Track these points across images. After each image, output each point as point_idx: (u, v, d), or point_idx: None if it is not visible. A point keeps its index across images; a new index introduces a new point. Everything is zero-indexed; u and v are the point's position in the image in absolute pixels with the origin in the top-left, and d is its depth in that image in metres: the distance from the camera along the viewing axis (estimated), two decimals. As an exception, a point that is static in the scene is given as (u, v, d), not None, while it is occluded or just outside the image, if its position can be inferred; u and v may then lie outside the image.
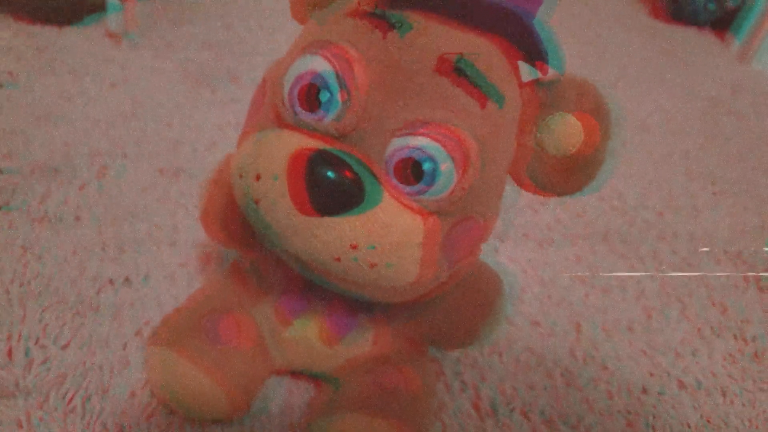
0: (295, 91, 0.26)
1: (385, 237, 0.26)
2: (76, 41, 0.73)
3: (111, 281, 0.45)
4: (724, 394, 0.48)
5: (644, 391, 0.47)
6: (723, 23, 1.39)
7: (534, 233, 0.61)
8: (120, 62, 0.71)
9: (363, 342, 0.36)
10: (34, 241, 0.47)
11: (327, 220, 0.25)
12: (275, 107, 0.28)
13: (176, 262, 0.48)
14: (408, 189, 0.26)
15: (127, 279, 0.46)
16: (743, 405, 0.48)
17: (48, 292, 0.44)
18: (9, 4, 0.72)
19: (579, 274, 0.56)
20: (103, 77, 0.68)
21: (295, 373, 0.40)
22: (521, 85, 0.28)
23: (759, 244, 0.67)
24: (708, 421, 0.46)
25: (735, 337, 0.54)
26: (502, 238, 0.59)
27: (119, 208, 0.52)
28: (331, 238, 0.25)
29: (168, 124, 0.63)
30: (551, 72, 0.28)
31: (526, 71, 0.28)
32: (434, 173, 0.25)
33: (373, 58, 0.25)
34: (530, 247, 0.59)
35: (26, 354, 0.39)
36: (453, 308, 0.35)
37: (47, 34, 0.73)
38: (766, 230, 0.69)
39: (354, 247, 0.26)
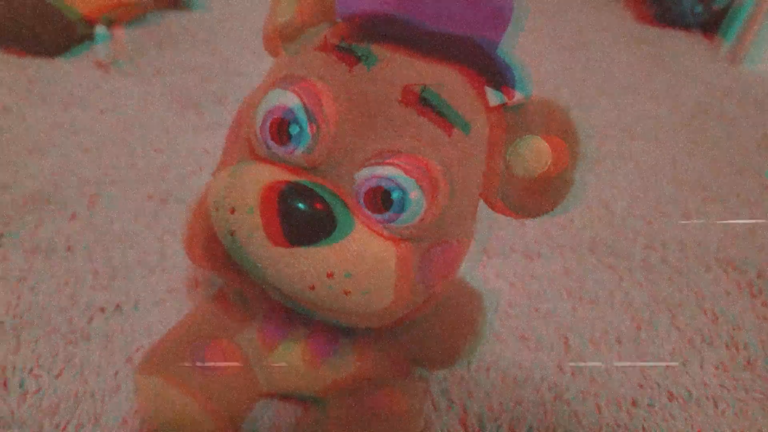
0: (267, 125, 0.27)
1: (359, 264, 0.26)
2: (66, 71, 0.74)
3: (102, 309, 0.46)
4: (715, 405, 0.48)
5: (634, 403, 0.47)
6: (712, 25, 1.40)
7: (520, 247, 0.61)
8: (109, 90, 0.72)
9: (346, 364, 0.36)
10: (28, 272, 0.48)
11: (301, 250, 0.26)
12: (249, 140, 0.28)
13: (165, 288, 0.48)
14: (379, 217, 0.26)
15: (117, 306, 0.46)
16: (735, 415, 0.48)
17: (41, 321, 0.44)
18: (3, 37, 0.73)
19: (565, 286, 0.57)
20: (92, 105, 0.69)
21: (283, 396, 0.40)
22: (488, 110, 0.28)
23: (750, 250, 0.67)
24: None
25: (726, 345, 0.54)
26: (488, 253, 0.59)
27: (109, 235, 0.52)
28: (306, 267, 0.26)
29: (156, 149, 0.64)
30: (518, 96, 0.28)
31: (493, 96, 0.29)
32: (403, 202, 0.26)
33: (341, 90, 0.26)
34: (517, 260, 0.59)
35: (21, 385, 0.40)
36: (434, 328, 0.36)
37: (38, 65, 0.74)
38: (757, 235, 0.70)
39: (330, 276, 0.26)
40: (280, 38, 0.31)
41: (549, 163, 0.28)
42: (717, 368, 0.51)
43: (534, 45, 1.18)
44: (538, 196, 0.29)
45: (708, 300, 0.59)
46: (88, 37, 0.78)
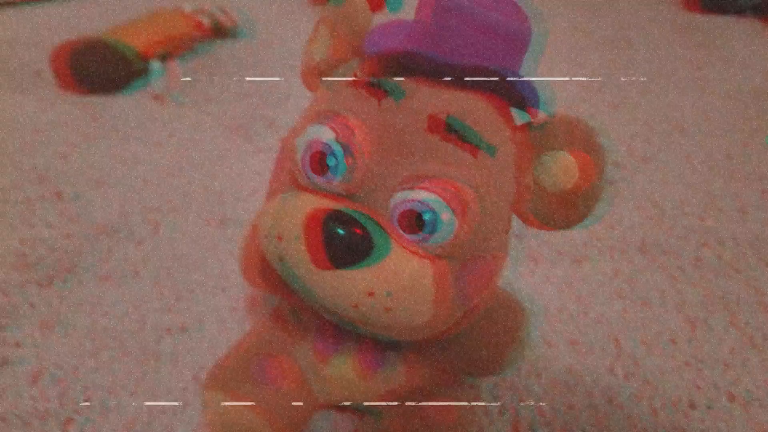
0: (307, 158, 0.29)
1: (398, 282, 0.28)
2: (125, 107, 0.79)
3: (169, 330, 0.49)
4: (777, 404, 0.48)
5: (691, 405, 0.47)
6: (766, 8, 1.35)
7: (569, 250, 0.61)
8: (165, 121, 0.77)
9: (396, 375, 0.38)
10: (101, 298, 0.51)
11: (344, 272, 0.28)
12: (292, 171, 0.31)
13: (227, 307, 0.51)
14: (413, 237, 0.28)
15: (183, 327, 0.50)
16: (797, 413, 0.47)
17: (115, 344, 0.48)
18: (67, 79, 0.79)
19: (616, 288, 0.57)
20: (151, 137, 0.73)
21: (339, 408, 0.42)
22: (514, 129, 0.30)
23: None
24: (759, 432, 0.45)
25: (788, 342, 0.53)
26: (536, 259, 0.60)
27: (173, 260, 0.56)
28: (348, 288, 0.28)
29: (212, 175, 0.68)
30: (541, 114, 0.30)
31: (518, 116, 0.30)
32: (435, 222, 0.27)
33: (372, 123, 0.28)
34: (565, 265, 0.60)
35: (102, 403, 0.43)
36: (477, 340, 0.37)
37: (100, 103, 0.79)
38: (820, 226, 0.68)
39: (371, 295, 0.28)
40: (317, 74, 0.33)
41: (576, 176, 0.29)
42: (779, 367, 0.51)
43: (576, 43, 1.17)
44: (567, 209, 0.30)
45: None
46: (145, 72, 0.83)
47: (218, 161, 0.71)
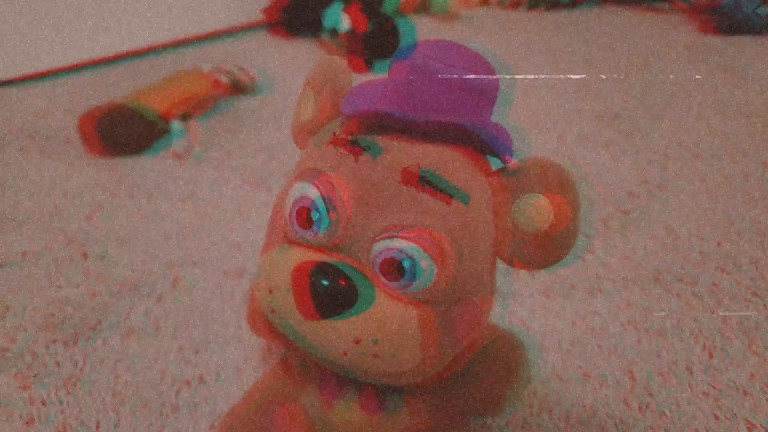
0: (294, 214, 0.31)
1: (384, 329, 0.29)
2: (149, 166, 0.83)
3: (188, 382, 0.51)
4: (798, 430, 0.46)
5: (707, 435, 0.46)
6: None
7: (581, 283, 0.62)
8: (186, 178, 0.80)
9: (400, 418, 0.39)
10: (124, 353, 0.54)
11: (331, 322, 0.29)
12: (282, 226, 0.33)
13: (242, 358, 0.53)
14: (396, 284, 0.29)
15: (201, 378, 0.51)
16: (821, 439, 0.46)
17: (136, 397, 0.50)
18: (94, 143, 0.83)
19: (628, 318, 0.57)
20: (172, 194, 0.77)
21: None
22: (489, 175, 0.31)
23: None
24: (780, 461, 0.44)
25: (810, 367, 0.52)
26: (548, 293, 0.60)
27: (192, 313, 0.58)
28: (336, 336, 0.29)
29: (230, 228, 0.70)
30: (515, 160, 0.31)
31: (492, 162, 0.31)
32: (414, 269, 0.29)
33: (352, 178, 0.30)
34: (578, 297, 0.60)
35: (123, 456, 0.45)
36: (477, 379, 0.37)
37: (125, 164, 0.83)
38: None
39: (358, 342, 0.29)
40: (305, 133, 0.35)
41: (551, 218, 0.30)
42: (800, 393, 0.49)
43: (587, 73, 1.18)
44: (547, 249, 0.31)
45: (788, 321, 0.57)
46: (167, 132, 0.87)
47: (237, 213, 0.74)
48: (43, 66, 1.14)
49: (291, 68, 1.19)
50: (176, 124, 0.86)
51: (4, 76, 1.10)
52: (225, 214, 0.73)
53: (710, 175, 0.82)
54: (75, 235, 0.69)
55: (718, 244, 0.68)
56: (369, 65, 1.18)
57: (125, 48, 1.22)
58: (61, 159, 0.85)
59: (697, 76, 1.16)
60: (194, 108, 0.93)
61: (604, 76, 1.16)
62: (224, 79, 1.00)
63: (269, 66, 1.16)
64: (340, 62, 0.35)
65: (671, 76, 1.16)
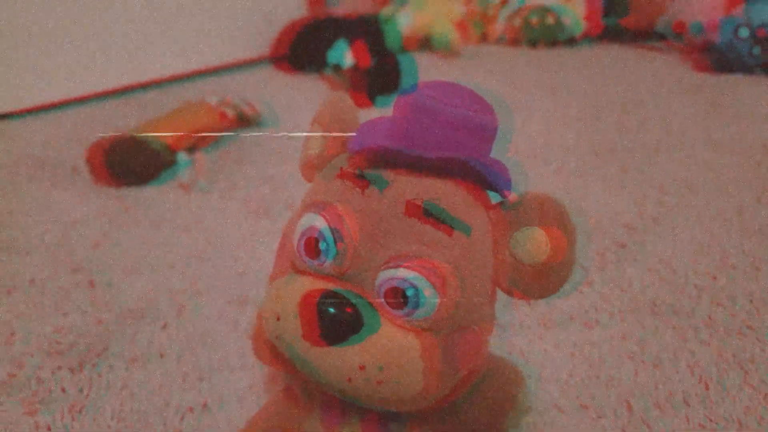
0: (302, 244, 0.32)
1: (387, 357, 0.30)
2: (154, 196, 0.84)
3: (191, 409, 0.52)
4: (793, 462, 0.47)
5: (703, 466, 0.47)
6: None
7: (579, 315, 0.63)
8: (192, 208, 0.82)
9: (402, 445, 0.40)
10: (128, 380, 0.54)
11: (337, 348, 0.30)
12: (290, 255, 0.34)
13: (246, 385, 0.54)
14: (399, 313, 0.31)
15: (205, 405, 0.52)
16: (815, 472, 0.46)
17: (141, 424, 0.50)
18: (102, 173, 0.85)
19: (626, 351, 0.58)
20: (178, 224, 0.78)
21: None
22: (489, 209, 0.33)
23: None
24: (776, 493, 0.45)
25: (806, 400, 0.53)
26: (546, 324, 0.61)
27: (196, 340, 0.59)
28: (341, 363, 0.31)
29: (234, 258, 0.72)
30: (513, 194, 0.33)
31: (491, 197, 0.33)
32: (418, 298, 0.30)
33: (359, 210, 0.31)
34: (576, 329, 0.61)
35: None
36: (476, 407, 0.38)
37: (131, 194, 0.85)
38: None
39: (362, 368, 0.30)
40: (312, 167, 0.37)
41: (548, 250, 0.31)
42: (795, 425, 0.50)
43: (586, 109, 1.20)
44: (544, 280, 0.32)
45: (783, 353, 0.58)
46: (173, 164, 0.89)
47: (241, 243, 0.75)
48: (50, 98, 1.17)
49: (295, 102, 1.22)
50: (183, 156, 0.88)
51: (13, 107, 1.13)
52: (229, 244, 0.75)
53: (705, 209, 0.84)
54: (81, 263, 0.70)
55: (714, 277, 0.69)
56: (372, 100, 1.20)
57: (131, 81, 1.25)
58: (69, 188, 0.87)
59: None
60: (200, 140, 0.95)
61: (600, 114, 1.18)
62: (230, 113, 1.03)
63: (274, 100, 1.19)
64: (347, 100, 0.37)
65: (666, 112, 1.19)
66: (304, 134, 0.39)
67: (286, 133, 1.06)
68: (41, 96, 1.16)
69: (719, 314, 0.63)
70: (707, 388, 0.54)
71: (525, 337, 0.60)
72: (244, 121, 1.06)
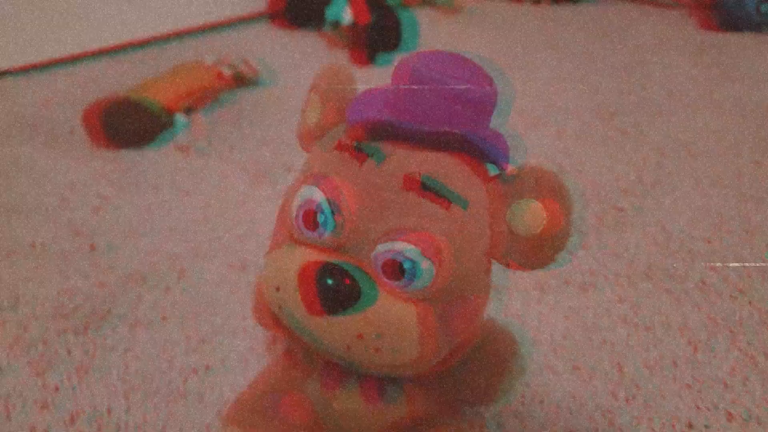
0: (300, 216, 0.33)
1: (385, 326, 0.31)
2: (153, 159, 0.84)
3: (195, 370, 0.53)
4: (776, 421, 0.49)
5: (689, 425, 0.48)
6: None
7: (575, 279, 0.64)
8: (191, 171, 0.82)
9: (399, 407, 0.41)
10: (132, 343, 0.56)
11: (336, 318, 0.31)
12: (289, 226, 0.34)
13: (247, 348, 0.55)
14: (396, 284, 0.31)
15: (207, 367, 0.53)
16: (798, 430, 0.48)
17: (146, 385, 0.52)
18: (99, 136, 0.85)
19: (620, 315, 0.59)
20: (177, 187, 0.78)
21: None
22: (486, 181, 0.33)
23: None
24: (758, 451, 0.47)
25: (792, 361, 0.54)
26: (543, 288, 0.62)
27: (198, 304, 0.60)
28: (340, 332, 0.31)
29: (235, 221, 0.72)
30: (511, 167, 0.33)
31: (490, 169, 0.33)
32: (414, 270, 0.31)
33: (357, 183, 0.32)
34: (572, 293, 0.62)
35: (135, 440, 0.47)
36: (472, 372, 0.40)
37: (129, 156, 0.85)
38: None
39: (360, 337, 0.31)
40: (311, 137, 0.37)
41: (545, 222, 0.32)
42: (780, 385, 0.52)
43: (590, 69, 1.19)
44: (540, 251, 0.33)
45: (772, 316, 0.59)
46: (170, 125, 0.89)
47: (241, 207, 0.75)
48: (42, 57, 1.15)
49: (294, 60, 1.20)
50: (180, 118, 0.88)
51: (4, 66, 1.11)
52: (229, 207, 0.75)
53: (704, 173, 0.84)
54: (82, 227, 0.71)
55: (708, 241, 0.70)
56: (371, 58, 1.19)
57: (127, 39, 1.23)
58: (66, 151, 0.87)
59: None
60: (198, 101, 0.94)
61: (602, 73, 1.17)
62: (227, 72, 1.01)
63: (272, 58, 1.18)
64: (344, 69, 0.37)
65: (670, 73, 1.18)
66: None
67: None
68: (33, 55, 1.14)
69: (711, 278, 0.64)
70: (696, 351, 0.55)
71: (521, 300, 0.61)
72: (242, 81, 1.05)
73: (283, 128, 0.94)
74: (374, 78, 1.11)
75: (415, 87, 0.31)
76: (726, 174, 0.84)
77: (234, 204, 0.76)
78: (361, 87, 0.36)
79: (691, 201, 0.78)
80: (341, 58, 1.22)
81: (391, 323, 0.31)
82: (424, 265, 0.31)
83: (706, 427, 0.48)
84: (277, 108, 1.00)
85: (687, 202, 0.78)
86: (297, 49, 1.27)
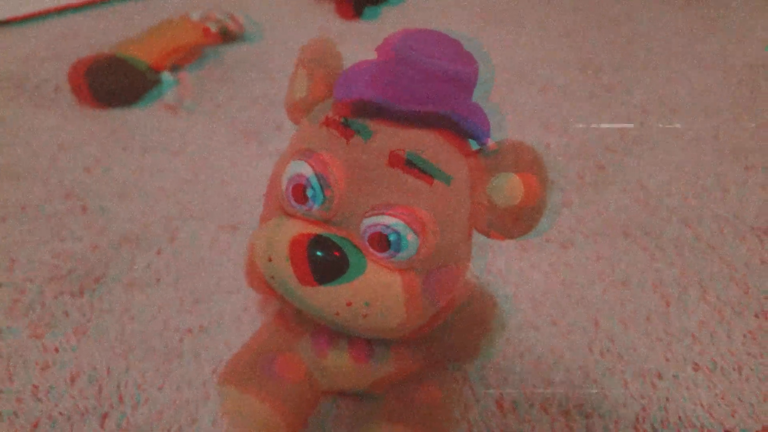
0: (290, 189, 0.34)
1: (372, 294, 0.33)
2: (141, 119, 0.84)
3: (190, 330, 0.55)
4: (739, 372, 0.52)
5: (659, 376, 0.52)
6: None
7: (556, 236, 0.66)
8: (180, 131, 0.82)
9: (386, 364, 0.44)
10: (128, 304, 0.58)
11: (326, 287, 0.33)
12: (279, 198, 0.36)
13: (241, 308, 0.57)
14: (383, 255, 0.33)
15: (202, 327, 0.55)
16: (759, 380, 0.51)
17: (143, 344, 0.54)
18: (85, 95, 0.85)
19: (597, 271, 0.62)
20: (167, 148, 0.79)
21: (341, 394, 0.48)
22: (467, 156, 0.34)
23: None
24: (722, 399, 0.50)
25: (756, 315, 0.57)
26: (524, 246, 0.64)
27: (191, 265, 0.62)
28: (330, 300, 0.33)
29: (225, 181, 0.73)
30: (491, 142, 0.34)
31: (471, 144, 0.35)
32: (400, 242, 0.32)
33: (344, 159, 0.33)
34: (552, 250, 0.64)
35: (134, 397, 0.50)
36: (454, 332, 0.42)
37: (117, 116, 0.85)
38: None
39: (349, 305, 0.33)
40: (299, 110, 0.38)
41: (522, 194, 0.33)
42: (744, 337, 0.55)
43: (576, 23, 1.19)
44: (519, 222, 0.34)
45: (740, 271, 0.62)
46: (157, 84, 0.88)
47: (231, 167, 0.76)
48: (24, 10, 1.13)
49: (279, 15, 1.19)
50: (167, 76, 0.88)
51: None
52: (219, 168, 0.76)
53: (684, 131, 0.86)
54: (73, 189, 0.72)
55: (685, 198, 0.72)
56: (358, 12, 1.18)
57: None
58: (53, 110, 0.86)
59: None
60: (184, 58, 0.93)
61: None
62: (213, 28, 1.00)
63: (257, 13, 1.16)
64: (330, 44, 0.38)
65: (656, 27, 1.18)
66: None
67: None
68: (14, 8, 1.12)
69: (686, 234, 0.67)
70: (668, 305, 0.58)
71: (503, 258, 0.63)
72: (228, 37, 1.04)
73: (270, 86, 0.94)
74: (362, 34, 1.11)
75: (399, 68, 0.32)
76: (705, 132, 0.86)
77: (224, 164, 0.77)
78: (347, 62, 0.37)
79: (672, 158, 0.80)
80: (327, 11, 1.21)
81: (378, 291, 0.33)
82: (409, 237, 0.32)
83: (674, 377, 0.51)
84: (264, 65, 1.00)
85: (667, 160, 0.79)
86: (282, 3, 1.25)
